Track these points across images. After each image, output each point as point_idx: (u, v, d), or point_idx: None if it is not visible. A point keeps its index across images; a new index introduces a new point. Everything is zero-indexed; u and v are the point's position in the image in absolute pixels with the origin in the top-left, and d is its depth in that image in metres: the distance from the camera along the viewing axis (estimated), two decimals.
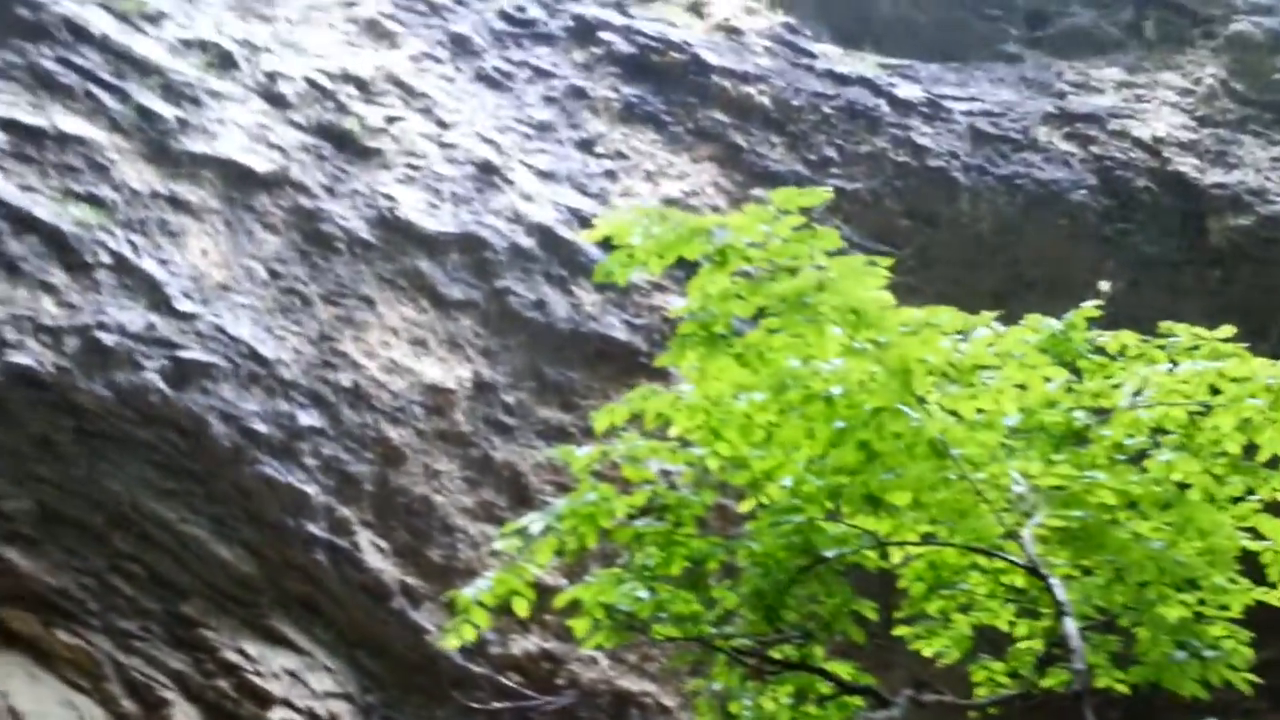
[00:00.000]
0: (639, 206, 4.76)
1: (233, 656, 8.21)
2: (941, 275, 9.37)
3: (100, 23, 7.89)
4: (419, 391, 8.45)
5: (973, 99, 10.03)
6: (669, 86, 9.56)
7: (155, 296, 7.72)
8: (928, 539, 4.93)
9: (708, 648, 4.95)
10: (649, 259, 4.55)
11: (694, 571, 5.01)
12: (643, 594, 4.85)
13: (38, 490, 7.82)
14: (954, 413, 4.61)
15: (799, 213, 4.34)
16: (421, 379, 8.47)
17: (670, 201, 8.84)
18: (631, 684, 7.87)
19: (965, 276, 9.46)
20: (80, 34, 7.85)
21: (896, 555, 5.06)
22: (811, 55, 9.93)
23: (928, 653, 5.52)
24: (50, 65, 7.72)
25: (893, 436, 4.38)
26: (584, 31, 9.56)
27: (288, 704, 8.29)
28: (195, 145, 8.01)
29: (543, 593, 5.28)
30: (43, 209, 7.51)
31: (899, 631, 5.46)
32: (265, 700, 8.24)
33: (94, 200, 7.66)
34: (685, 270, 4.93)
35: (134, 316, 7.65)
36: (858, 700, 4.94)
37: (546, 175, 8.99)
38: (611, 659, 8.22)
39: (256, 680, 8.22)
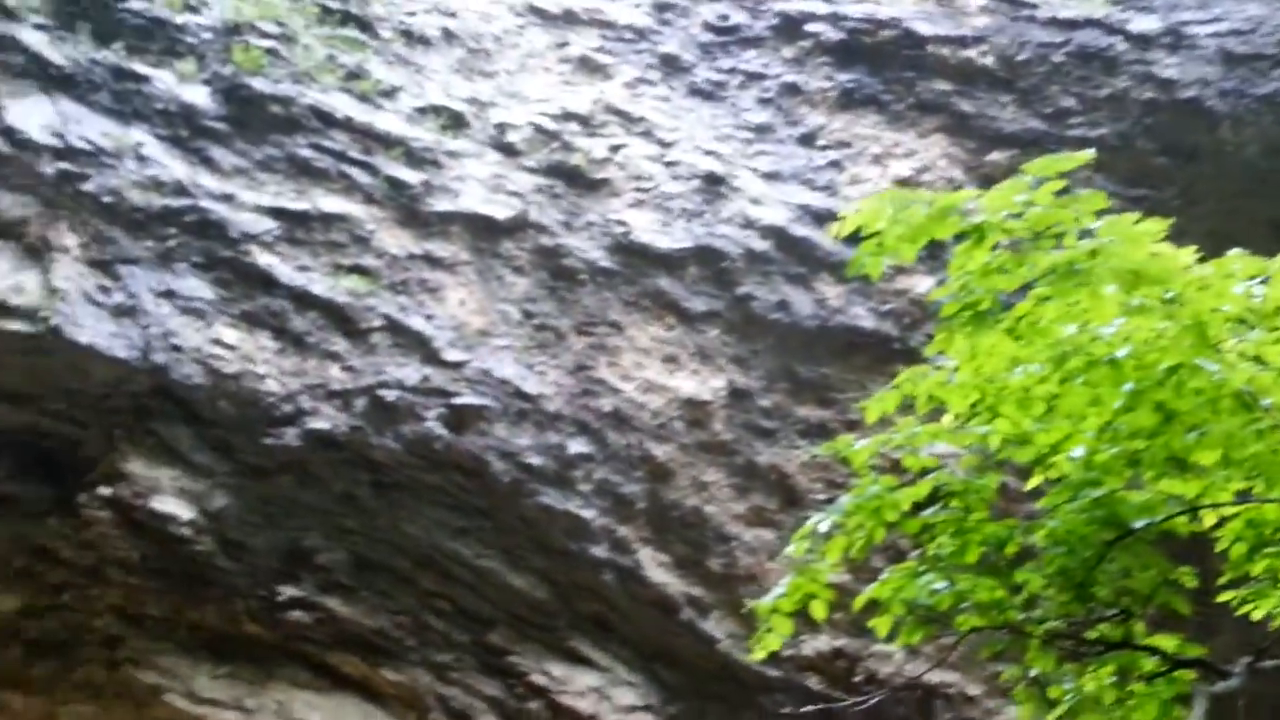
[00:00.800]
0: (878, 193, 4.64)
1: (540, 679, 8.63)
2: (1211, 211, 8.75)
3: (343, 106, 8.51)
4: (677, 407, 8.62)
5: (1216, 19, 9.32)
6: (884, 65, 9.38)
7: (426, 350, 8.24)
8: (1243, 497, 4.60)
9: (1017, 634, 4.79)
10: (900, 246, 4.45)
11: (991, 557, 4.86)
12: (940, 585, 4.75)
13: (348, 541, 8.51)
14: (1258, 359, 4.28)
15: (1058, 178, 4.16)
16: (678, 394, 8.63)
17: (901, 182, 8.67)
18: (932, 675, 7.72)
19: (1238, 208, 8.80)
20: (327, 119, 8.49)
21: (1209, 518, 4.75)
22: (1032, 5, 9.50)
23: (1257, 616, 5.15)
24: (306, 153, 8.39)
25: (1192, 394, 4.11)
26: (790, 27, 9.52)
27: None
28: (441, 204, 8.49)
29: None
30: (318, 285, 8.17)
31: (1223, 597, 5.11)
32: (575, 718, 8.60)
33: (360, 270, 8.27)
34: (925, 249, 4.80)
35: (409, 372, 8.19)
36: (1189, 674, 4.67)
37: (772, 176, 9.00)
38: (908, 652, 8.09)
39: (565, 700, 8.61)
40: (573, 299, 8.66)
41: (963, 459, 5.11)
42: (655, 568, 8.63)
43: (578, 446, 8.46)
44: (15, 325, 7.53)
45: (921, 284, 8.51)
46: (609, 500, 8.53)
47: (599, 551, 8.51)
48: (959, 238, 4.54)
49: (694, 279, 8.78)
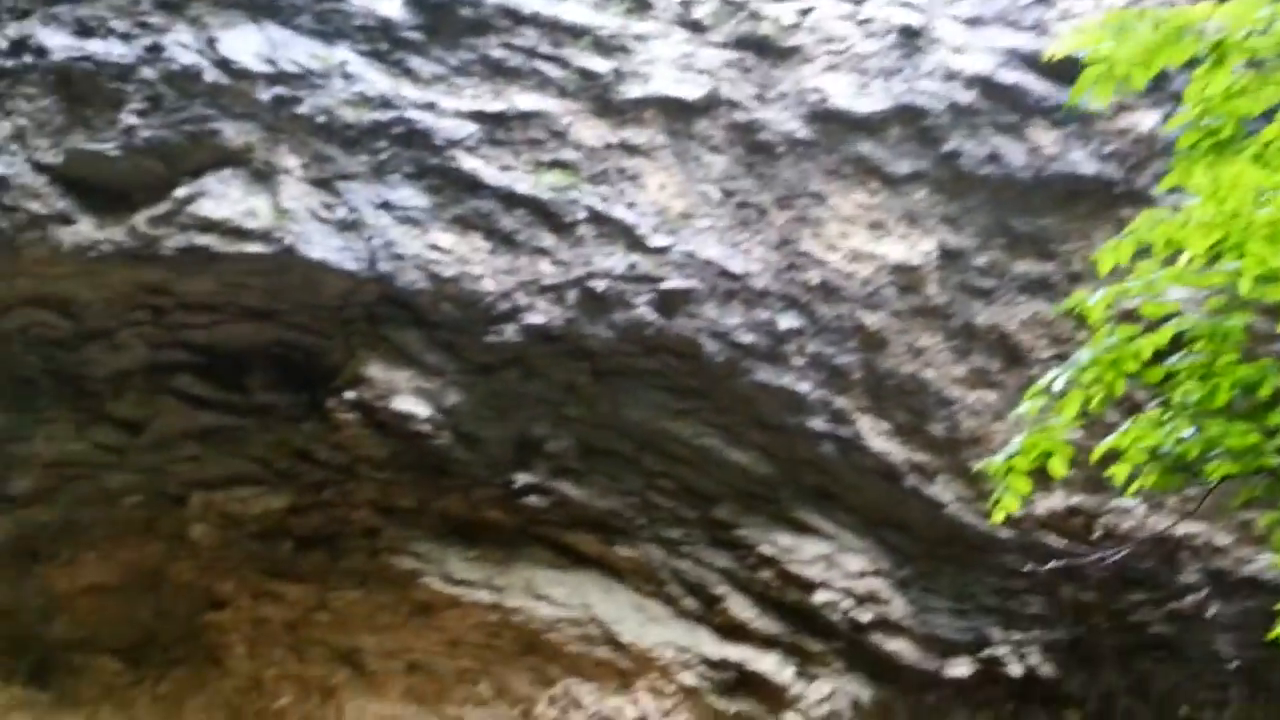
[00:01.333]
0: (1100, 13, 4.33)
1: (768, 550, 8.83)
2: None
3: (529, 2, 8.54)
4: (887, 273, 8.45)
5: None
6: None
7: (630, 238, 8.35)
8: None
9: (1275, 478, 4.57)
10: (1132, 70, 4.16)
11: (1241, 402, 4.63)
12: (1188, 433, 4.57)
13: (573, 429, 8.85)
14: None
15: None
16: (886, 261, 8.46)
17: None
18: (1178, 527, 7.45)
19: None
20: (515, 17, 8.54)
21: None
22: None
23: None
24: (498, 53, 8.50)
25: None
26: None
27: (827, 586, 8.79)
28: (632, 91, 8.47)
29: None
30: (522, 183, 8.36)
31: None
32: (807, 586, 8.79)
33: (560, 164, 8.39)
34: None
35: (616, 261, 8.33)
36: None
37: (973, 21, 8.52)
38: (1148, 504, 7.84)
39: (794, 568, 8.79)
40: (771, 173, 8.54)
41: (1207, 301, 4.85)
42: (875, 436, 8.60)
43: (788, 321, 8.44)
44: (254, 248, 8.06)
45: (1145, 120, 7.96)
46: (824, 372, 8.52)
47: (817, 424, 8.55)
48: (1191, 64, 4.23)
49: (896, 140, 8.49)
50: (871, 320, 8.47)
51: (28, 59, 8.28)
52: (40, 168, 8.29)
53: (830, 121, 8.54)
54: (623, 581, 9.17)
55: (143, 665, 10.25)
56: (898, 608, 8.81)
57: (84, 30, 8.22)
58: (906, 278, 8.46)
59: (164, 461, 9.29)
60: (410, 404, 8.56)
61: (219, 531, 9.47)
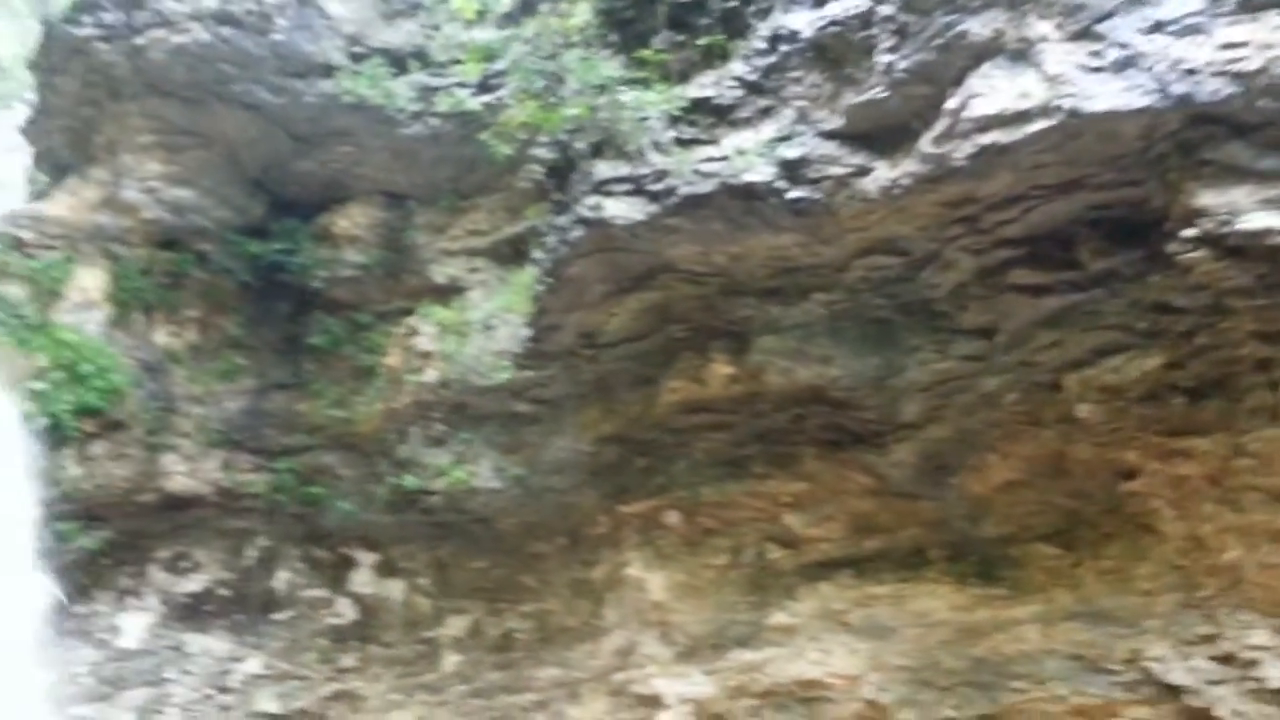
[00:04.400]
0: None
1: None
2: None
3: None
4: None
5: None
6: None
7: None
8: None
9: None
10: None
11: None
12: None
13: None
14: None
15: None
16: None
17: None
18: None
19: None
20: None
21: None
22: None
23: None
24: None
25: None
26: None
27: None
28: None
29: None
30: None
31: None
32: None
33: None
34: None
35: None
36: None
37: None
38: None
39: None
40: None
41: None
42: None
43: None
44: (1037, 126, 7.88)
45: None
46: None
47: None
48: None
49: None
50: None
51: (784, 48, 9.18)
52: (827, 135, 9.09)
53: None
54: None
55: (1076, 546, 10.63)
56: None
57: (816, 1, 8.90)
58: None
59: (1026, 355, 9.56)
60: (1262, 219, 7.66)
61: (1104, 405, 9.45)
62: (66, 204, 12.24)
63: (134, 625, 11.70)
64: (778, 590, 11.48)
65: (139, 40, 11.44)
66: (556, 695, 11.85)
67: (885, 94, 8.54)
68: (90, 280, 12.07)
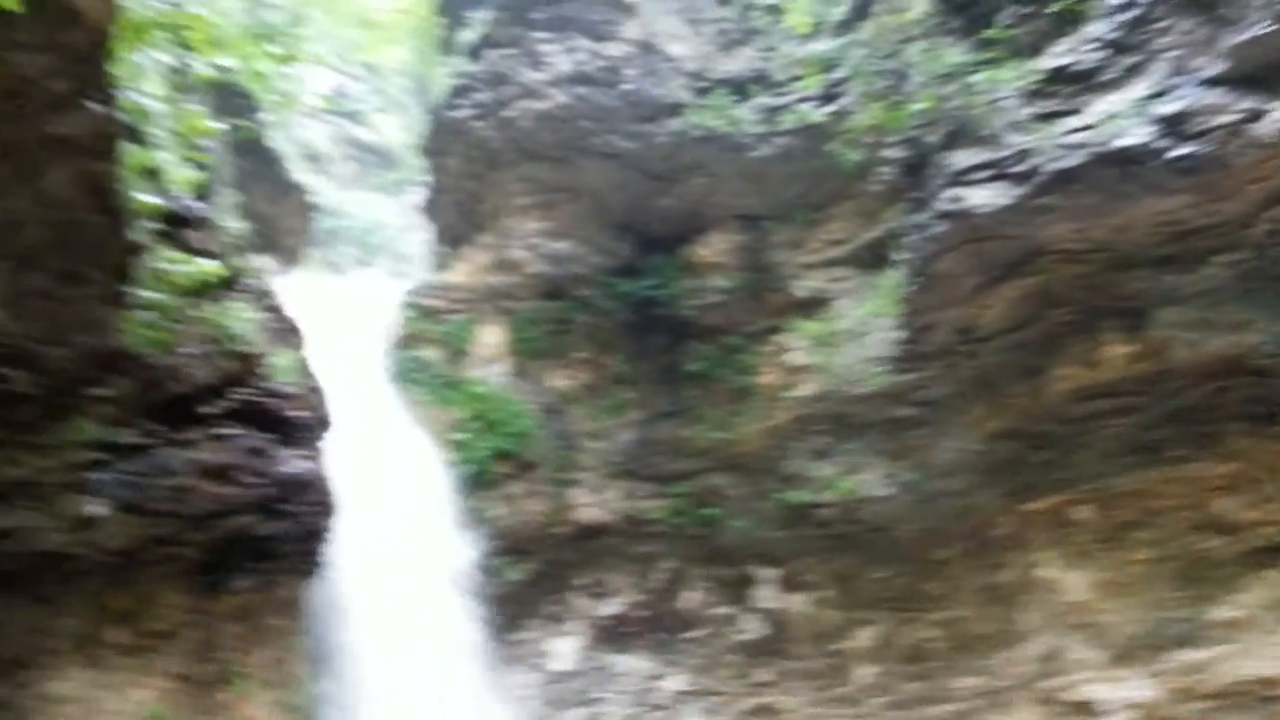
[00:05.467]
0: None
1: None
2: None
3: None
4: None
5: None
6: None
7: None
8: None
9: None
10: None
11: None
12: None
13: None
14: None
15: None
16: None
17: None
18: None
19: None
20: None
21: None
22: None
23: None
24: None
25: None
26: None
27: None
28: None
29: None
30: None
31: None
32: None
33: None
34: None
35: None
36: None
37: None
38: None
39: None
40: None
41: None
42: None
43: None
44: None
45: None
46: None
47: None
48: None
49: None
50: None
51: None
52: (1209, 83, 8.36)
53: None
54: None
55: None
56: None
57: None
58: None
59: None
60: None
61: None
62: (464, 270, 13.55)
63: (564, 649, 12.60)
64: (1216, 582, 10.49)
65: (508, 113, 12.48)
66: (979, 705, 11.48)
67: (1273, 27, 7.75)
68: (491, 337, 13.26)
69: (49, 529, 6.94)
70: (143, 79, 5.88)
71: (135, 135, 5.97)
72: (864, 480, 11.96)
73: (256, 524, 8.17)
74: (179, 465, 7.56)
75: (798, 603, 12.61)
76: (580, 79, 12.24)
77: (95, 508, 7.03)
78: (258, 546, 8.29)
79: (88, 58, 4.93)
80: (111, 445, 7.18)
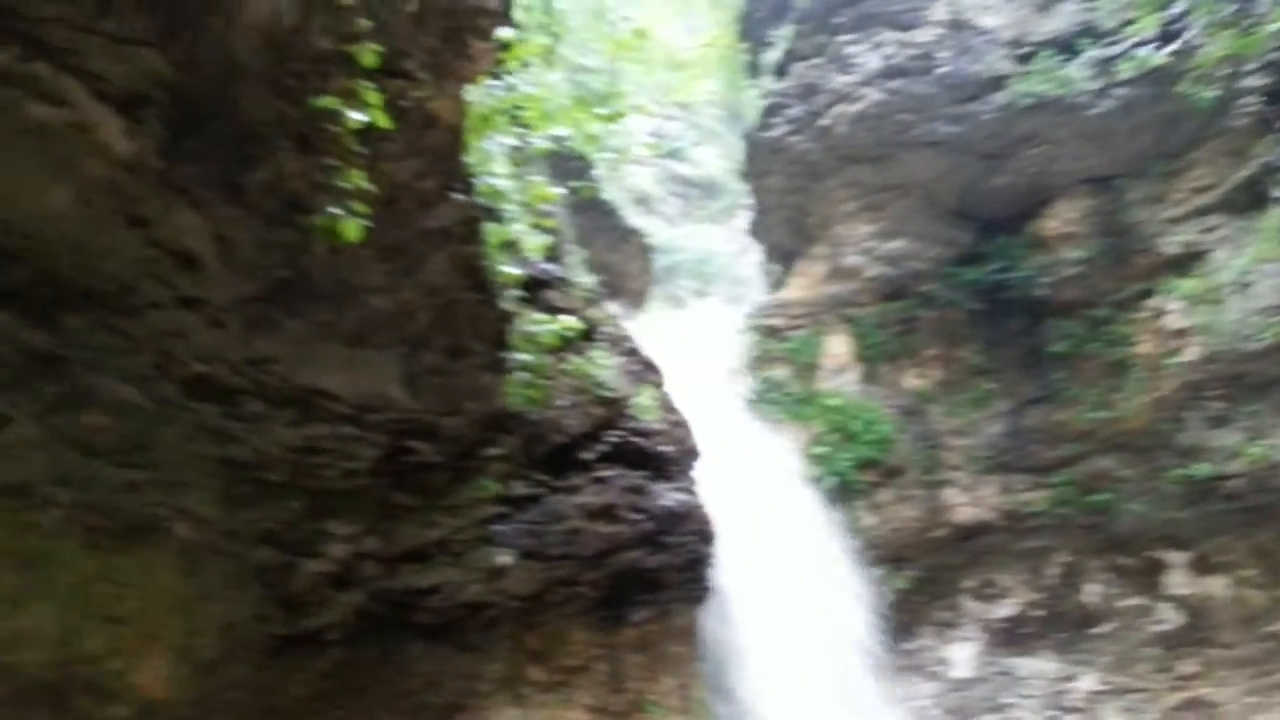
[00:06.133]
0: None
1: None
2: None
3: None
4: None
5: None
6: None
7: None
8: None
9: None
10: None
11: None
12: None
13: None
14: None
15: None
16: None
17: None
18: None
19: None
20: None
21: None
22: None
23: None
24: None
25: None
26: None
27: None
28: None
29: None
30: None
31: None
32: None
33: None
34: None
35: None
36: None
37: None
38: None
39: None
40: None
41: None
42: None
43: None
44: None
45: None
46: None
47: None
48: None
49: None
50: None
51: None
52: None
53: None
54: None
55: None
56: None
57: None
58: None
59: None
60: None
61: None
62: (801, 285, 13.57)
63: (961, 655, 12.22)
64: None
65: (823, 121, 12.41)
66: None
67: None
68: (838, 346, 13.17)
69: (467, 581, 7.56)
70: (491, 161, 6.35)
71: (492, 214, 6.46)
72: (1275, 445, 10.76)
73: (643, 557, 8.53)
74: (568, 510, 8.04)
75: (1217, 586, 11.50)
76: (892, 72, 11.97)
77: (504, 557, 7.60)
78: (648, 579, 8.63)
79: (447, 154, 5.39)
80: (509, 499, 7.74)
